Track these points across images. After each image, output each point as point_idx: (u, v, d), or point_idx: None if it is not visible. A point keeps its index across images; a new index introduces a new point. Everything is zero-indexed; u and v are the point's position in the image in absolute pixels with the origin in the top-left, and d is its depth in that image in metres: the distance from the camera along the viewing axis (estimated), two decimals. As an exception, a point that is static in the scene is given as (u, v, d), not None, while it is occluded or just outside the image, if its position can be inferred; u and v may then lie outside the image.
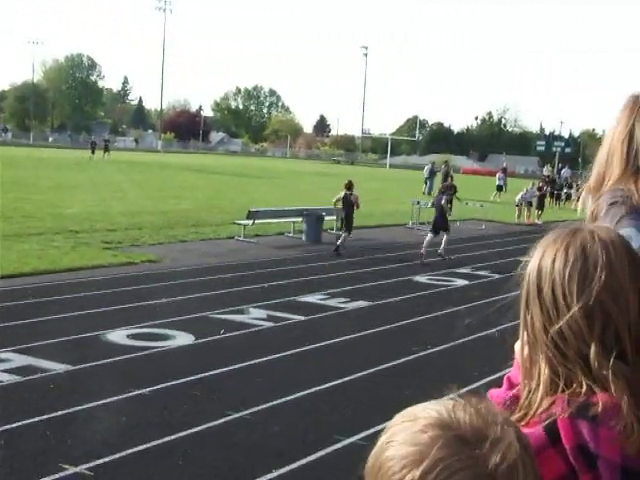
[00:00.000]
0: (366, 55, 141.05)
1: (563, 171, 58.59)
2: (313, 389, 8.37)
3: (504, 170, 53.58)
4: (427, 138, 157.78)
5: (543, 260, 1.80)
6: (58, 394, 7.81)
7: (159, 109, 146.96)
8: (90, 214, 24.19)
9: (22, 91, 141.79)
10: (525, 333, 1.81)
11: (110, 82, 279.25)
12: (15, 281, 13.47)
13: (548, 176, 49.43)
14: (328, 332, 10.97)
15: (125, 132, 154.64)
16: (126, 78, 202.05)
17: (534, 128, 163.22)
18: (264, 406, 7.73)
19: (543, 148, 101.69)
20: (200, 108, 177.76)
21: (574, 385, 1.69)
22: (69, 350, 9.41)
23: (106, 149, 69.52)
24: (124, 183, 39.96)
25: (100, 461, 6.25)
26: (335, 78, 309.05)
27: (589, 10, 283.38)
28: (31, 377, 8.29)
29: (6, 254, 15.69)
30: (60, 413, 7.26)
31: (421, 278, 16.21)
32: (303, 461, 6.45)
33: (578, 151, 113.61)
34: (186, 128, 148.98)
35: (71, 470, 6.06)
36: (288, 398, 8.02)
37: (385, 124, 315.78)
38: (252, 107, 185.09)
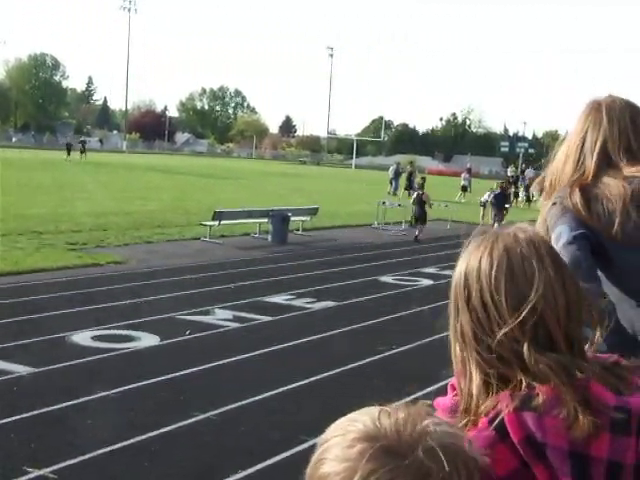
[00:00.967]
0: (332, 56, 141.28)
1: (527, 171, 58.84)
2: (280, 389, 8.36)
3: (469, 171, 53.86)
4: (392, 139, 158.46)
5: (469, 267, 1.83)
6: (21, 397, 7.74)
7: (124, 109, 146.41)
8: (54, 215, 24.03)
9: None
10: (456, 340, 1.84)
11: (74, 82, 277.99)
12: (-22, 283, 13.34)
13: (512, 176, 49.68)
14: (295, 332, 10.97)
15: (90, 132, 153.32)
16: (90, 78, 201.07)
17: (498, 129, 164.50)
18: (231, 406, 7.72)
19: (507, 149, 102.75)
20: (165, 108, 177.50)
21: (511, 384, 1.72)
22: (33, 352, 9.33)
23: (83, 150, 69.13)
24: (89, 184, 39.74)
25: (65, 463, 6.20)
26: (301, 79, 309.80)
27: (550, 11, 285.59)
28: (-5, 379, 8.22)
29: (-31, 255, 15.55)
30: (24, 416, 7.19)
31: (387, 278, 16.24)
32: (270, 461, 6.45)
33: (541, 152, 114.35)
34: (151, 128, 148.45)
35: (35, 473, 6.01)
36: (255, 398, 8.01)
37: (351, 125, 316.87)
38: (218, 107, 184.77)
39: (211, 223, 21.48)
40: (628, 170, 2.92)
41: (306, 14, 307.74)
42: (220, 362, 9.32)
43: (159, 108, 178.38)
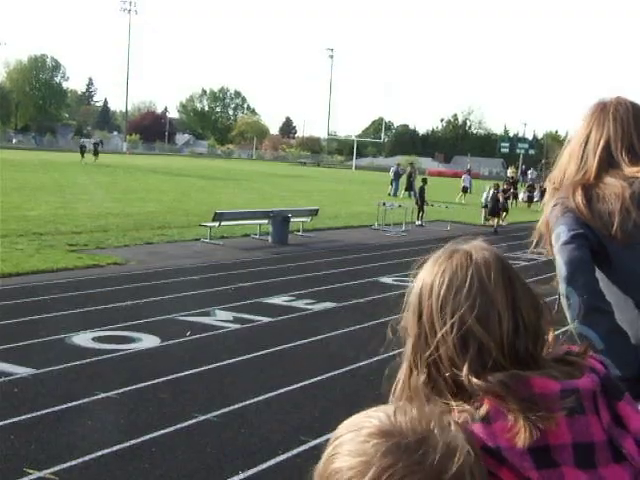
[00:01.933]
0: (332, 57, 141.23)
1: (529, 172, 58.98)
2: (280, 390, 8.35)
3: (469, 172, 53.89)
4: (392, 140, 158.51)
5: (424, 283, 1.86)
6: (22, 398, 7.74)
7: (124, 110, 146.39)
8: (55, 216, 24.05)
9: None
10: (406, 360, 1.89)
11: (74, 83, 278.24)
12: (-21, 284, 13.34)
13: (512, 177, 49.65)
14: (295, 334, 10.97)
15: (90, 134, 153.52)
16: (91, 79, 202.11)
17: (498, 130, 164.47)
18: (232, 408, 7.72)
19: (507, 150, 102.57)
20: (166, 110, 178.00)
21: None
22: (34, 353, 9.33)
23: (95, 152, 68.82)
24: (89, 185, 39.76)
25: (65, 465, 6.20)
26: (301, 80, 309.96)
27: (551, 13, 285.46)
28: (-5, 381, 8.22)
29: (-31, 257, 15.55)
30: (24, 417, 7.20)
31: (388, 279, 16.24)
32: (271, 462, 6.44)
33: (542, 152, 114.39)
34: (152, 130, 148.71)
35: (35, 475, 6.01)
36: (255, 399, 8.01)
37: (351, 126, 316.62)
38: (218, 109, 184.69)
39: (211, 224, 21.47)
40: (629, 170, 2.95)
41: (307, 15, 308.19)
42: (220, 363, 9.31)
43: (159, 109, 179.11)
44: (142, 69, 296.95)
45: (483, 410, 1.69)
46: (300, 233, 24.07)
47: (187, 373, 8.86)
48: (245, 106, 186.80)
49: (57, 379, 8.46)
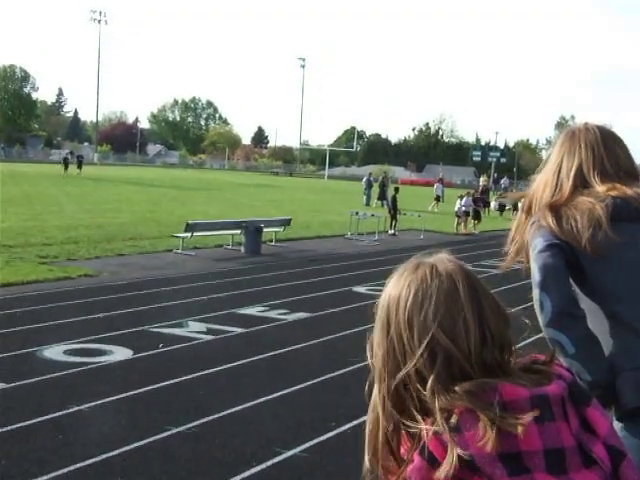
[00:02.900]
0: (303, 67, 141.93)
1: (502, 181, 59.28)
2: (254, 401, 8.34)
3: (441, 180, 54.07)
4: (365, 149, 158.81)
5: (390, 297, 1.91)
6: (-7, 412, 7.68)
7: (95, 121, 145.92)
8: (24, 228, 23.90)
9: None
10: (376, 374, 1.91)
11: (44, 94, 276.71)
12: (-52, 297, 13.24)
13: (484, 186, 49.92)
14: (269, 344, 10.95)
15: (60, 144, 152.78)
16: (60, 90, 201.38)
17: (470, 138, 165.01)
18: (205, 419, 7.69)
19: (479, 158, 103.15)
20: (137, 120, 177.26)
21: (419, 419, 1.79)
22: (4, 367, 9.26)
23: (79, 165, 68.18)
24: (60, 196, 39.57)
25: (40, 479, 6.15)
26: (273, 89, 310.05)
27: (521, 23, 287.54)
28: (-35, 395, 8.15)
29: (-62, 270, 15.42)
30: (-4, 431, 7.15)
31: (361, 289, 16.26)
32: (245, 474, 6.42)
33: (513, 161, 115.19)
34: (123, 140, 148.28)
35: (7, 489, 5.96)
36: (229, 411, 7.99)
37: (323, 135, 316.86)
38: (190, 119, 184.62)
39: (184, 235, 21.43)
40: (601, 189, 3.10)
41: (278, 25, 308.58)
42: (194, 375, 9.28)
43: (130, 119, 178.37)
44: (113, 79, 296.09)
45: (453, 420, 1.71)
46: (273, 243, 24.05)
47: (160, 385, 8.82)
48: (217, 116, 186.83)
49: (28, 393, 8.40)
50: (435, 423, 1.72)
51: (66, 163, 68.02)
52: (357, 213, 28.90)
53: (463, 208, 33.98)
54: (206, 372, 9.45)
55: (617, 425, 2.92)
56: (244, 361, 10.04)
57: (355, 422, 7.42)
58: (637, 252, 3.05)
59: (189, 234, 21.52)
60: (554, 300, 2.91)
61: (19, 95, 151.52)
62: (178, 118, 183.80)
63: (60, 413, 7.72)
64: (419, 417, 1.77)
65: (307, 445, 7.02)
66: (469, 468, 1.67)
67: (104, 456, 6.68)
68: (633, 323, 2.96)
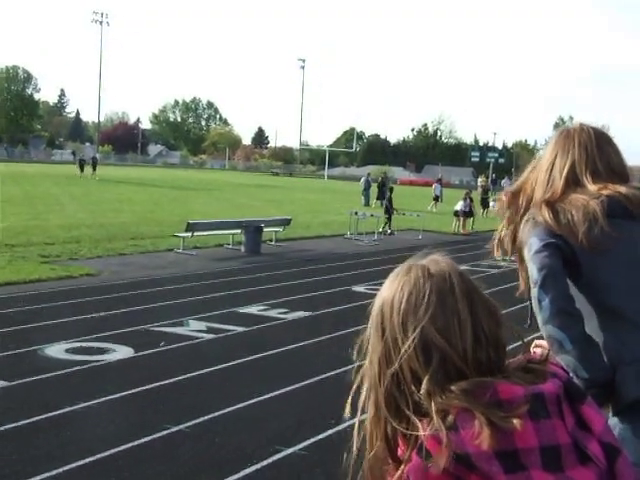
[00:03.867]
0: (303, 68, 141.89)
1: (503, 181, 59.25)
2: (254, 400, 8.33)
3: (440, 181, 54.03)
4: (364, 149, 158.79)
5: (385, 299, 1.93)
6: (-5, 410, 7.68)
7: (97, 121, 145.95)
8: (27, 228, 23.89)
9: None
10: (372, 377, 1.94)
11: (46, 94, 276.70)
12: (-49, 296, 13.24)
13: (483, 186, 49.90)
14: (269, 343, 10.95)
15: (62, 145, 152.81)
16: (63, 90, 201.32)
17: (469, 139, 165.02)
18: (205, 418, 7.69)
19: (477, 159, 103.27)
20: (138, 120, 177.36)
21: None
22: (6, 366, 9.26)
23: (94, 167, 67.70)
24: (61, 196, 39.56)
25: (41, 476, 6.15)
26: (273, 90, 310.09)
27: (519, 25, 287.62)
28: (-33, 393, 8.15)
29: (-59, 269, 15.41)
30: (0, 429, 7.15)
31: (360, 288, 16.25)
32: (245, 472, 6.42)
33: (511, 161, 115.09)
34: (124, 140, 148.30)
35: (9, 487, 5.96)
36: (229, 409, 7.98)
37: (323, 136, 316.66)
38: (190, 119, 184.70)
39: (184, 234, 21.43)
40: (593, 188, 3.15)
41: (278, 26, 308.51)
42: (194, 373, 9.27)
43: (132, 120, 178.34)
44: (114, 80, 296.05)
45: (450, 419, 1.72)
46: (273, 243, 24.05)
47: (161, 384, 8.81)
48: (217, 117, 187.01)
49: (30, 391, 8.40)
50: (431, 423, 1.73)
51: (82, 165, 67.46)
52: (356, 213, 28.88)
53: (463, 208, 33.95)
54: (206, 371, 9.44)
55: (613, 420, 2.93)
56: (244, 360, 10.03)
57: (355, 420, 7.41)
58: (635, 248, 3.08)
59: (190, 234, 21.51)
60: (553, 299, 2.93)
61: (21, 96, 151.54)
62: (179, 119, 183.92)
63: (61, 411, 7.71)
64: (414, 418, 1.78)
65: (307, 443, 7.01)
66: (466, 466, 1.68)
67: (105, 453, 6.67)
68: (633, 317, 2.98)
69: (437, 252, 2.01)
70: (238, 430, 7.46)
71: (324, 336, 11.48)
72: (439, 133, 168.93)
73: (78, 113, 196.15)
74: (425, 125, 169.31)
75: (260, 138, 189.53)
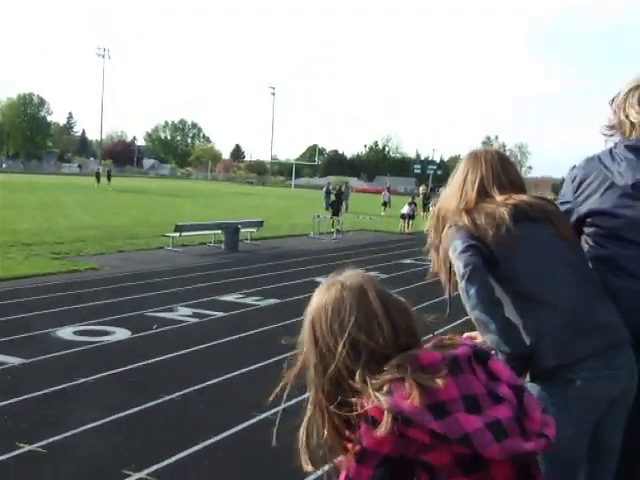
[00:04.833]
0: (274, 94, 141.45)
1: (440, 189, 59.50)
2: (234, 373, 8.34)
3: (388, 189, 54.14)
4: (325, 163, 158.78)
5: (315, 308, 2.10)
6: (14, 384, 7.61)
7: (99, 139, 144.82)
8: (40, 229, 23.71)
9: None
10: (311, 383, 2.08)
11: (57, 116, 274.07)
12: (-25, 287, 13.10)
13: (424, 193, 50.06)
14: (245, 325, 10.94)
15: (70, 159, 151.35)
16: (71, 113, 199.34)
17: (412, 154, 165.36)
18: (192, 389, 7.68)
19: (419, 170, 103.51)
20: (134, 138, 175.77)
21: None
22: (23, 346, 9.18)
23: (109, 178, 66.72)
24: (69, 203, 39.24)
25: (51, 439, 6.11)
26: (249, 113, 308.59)
27: (456, 55, 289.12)
28: (-10, 369, 8.08)
29: (-33, 264, 15.25)
30: (16, 399, 7.08)
31: (321, 278, 16.16)
32: (225, 434, 6.42)
33: (447, 173, 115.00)
34: (122, 155, 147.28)
35: (26, 448, 5.92)
36: (212, 381, 7.98)
37: (290, 151, 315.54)
38: (178, 137, 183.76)
39: (173, 234, 21.33)
40: (500, 198, 3.25)
41: (253, 59, 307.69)
42: (183, 351, 9.25)
43: (129, 138, 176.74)
44: (115, 104, 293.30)
45: (385, 389, 1.81)
46: (248, 241, 23.98)
47: (154, 360, 8.78)
48: (201, 135, 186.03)
49: (44, 367, 8.34)
50: (370, 399, 1.81)
51: (98, 177, 66.58)
52: (319, 216, 28.90)
53: (409, 212, 34.13)
54: (193, 349, 9.42)
55: (533, 386, 2.97)
56: (225, 339, 10.03)
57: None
58: (537, 244, 3.15)
59: (178, 234, 21.42)
60: (478, 289, 2.98)
61: (36, 118, 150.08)
62: (169, 137, 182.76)
63: (70, 384, 7.67)
64: (356, 400, 1.86)
65: (280, 408, 7.01)
66: (404, 422, 1.75)
67: (108, 419, 6.65)
68: (543, 298, 3.03)
69: (352, 267, 2.11)
70: (220, 399, 7.46)
71: (292, 319, 11.47)
72: (387, 149, 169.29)
73: (84, 132, 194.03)
74: (376, 142, 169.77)
75: (237, 153, 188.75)
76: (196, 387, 7.77)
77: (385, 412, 1.76)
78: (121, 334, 10.08)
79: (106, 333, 10.09)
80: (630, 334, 3.06)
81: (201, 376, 8.14)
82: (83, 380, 7.82)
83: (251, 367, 8.62)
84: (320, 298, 2.06)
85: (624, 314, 3.09)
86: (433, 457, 1.79)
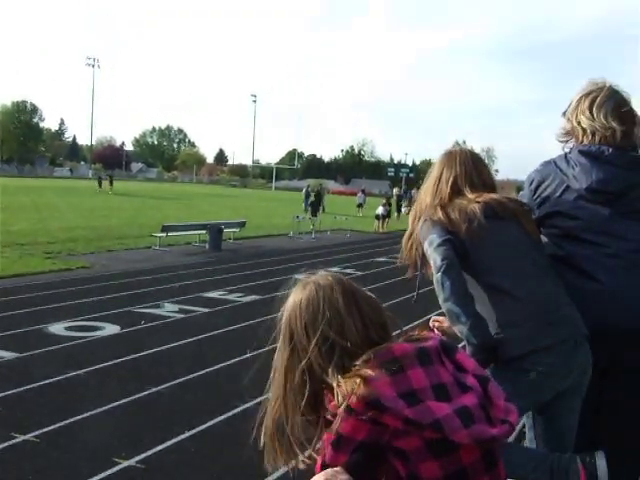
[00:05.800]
0: (255, 102, 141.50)
1: (412, 191, 59.50)
2: (217, 366, 8.33)
3: (363, 191, 54.17)
4: (304, 166, 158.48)
5: (290, 308, 2.12)
6: (8, 376, 7.57)
7: (90, 144, 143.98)
8: (33, 230, 23.54)
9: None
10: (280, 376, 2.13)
11: (49, 123, 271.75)
12: (-29, 286, 12.99)
13: (398, 195, 50.17)
14: (228, 320, 10.93)
15: (62, 164, 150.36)
16: (62, 119, 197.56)
17: (386, 158, 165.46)
18: (178, 381, 7.67)
19: (393, 173, 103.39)
20: (123, 143, 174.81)
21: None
22: (17, 340, 9.13)
23: (111, 182, 65.99)
24: (61, 205, 38.97)
25: (45, 429, 6.09)
26: (231, 119, 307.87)
27: (429, 63, 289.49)
28: (-14, 364, 8.02)
29: (-37, 264, 15.12)
30: (11, 392, 7.04)
31: (300, 276, 16.17)
32: (210, 422, 6.42)
33: (418, 176, 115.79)
34: (112, 160, 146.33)
35: (20, 438, 5.89)
36: (196, 374, 7.97)
37: (271, 155, 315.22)
38: (165, 142, 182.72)
39: (160, 235, 21.24)
40: (471, 196, 3.27)
41: (235, 67, 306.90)
42: (169, 346, 9.24)
43: (118, 143, 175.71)
44: (104, 110, 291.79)
45: (358, 379, 1.83)
46: (231, 241, 23.93)
47: (142, 354, 8.76)
48: (187, 140, 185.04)
49: (37, 361, 8.30)
50: (343, 388, 1.85)
51: (100, 181, 65.86)
52: (298, 217, 28.91)
53: (383, 212, 34.26)
54: (178, 343, 9.40)
55: (497, 373, 2.95)
56: (209, 334, 10.01)
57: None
58: (506, 239, 3.19)
59: (164, 234, 21.34)
60: (452, 282, 3.00)
61: (29, 124, 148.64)
62: (156, 142, 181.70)
63: (62, 377, 7.64)
64: (329, 392, 1.92)
65: (258, 400, 7.03)
66: (378, 409, 1.78)
67: (99, 410, 6.62)
68: (510, 291, 3.06)
69: (323, 269, 2.17)
70: (204, 390, 7.45)
71: (272, 315, 11.44)
72: (363, 153, 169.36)
73: (75, 138, 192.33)
74: (352, 147, 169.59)
75: (221, 157, 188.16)
76: (183, 379, 7.75)
77: (361, 400, 1.79)
78: (111, 329, 10.04)
79: (97, 328, 10.05)
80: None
81: (186, 370, 8.13)
82: (75, 373, 7.79)
83: (235, 360, 8.61)
84: (296, 296, 2.08)
85: (580, 312, 3.13)
86: (405, 443, 1.82)
